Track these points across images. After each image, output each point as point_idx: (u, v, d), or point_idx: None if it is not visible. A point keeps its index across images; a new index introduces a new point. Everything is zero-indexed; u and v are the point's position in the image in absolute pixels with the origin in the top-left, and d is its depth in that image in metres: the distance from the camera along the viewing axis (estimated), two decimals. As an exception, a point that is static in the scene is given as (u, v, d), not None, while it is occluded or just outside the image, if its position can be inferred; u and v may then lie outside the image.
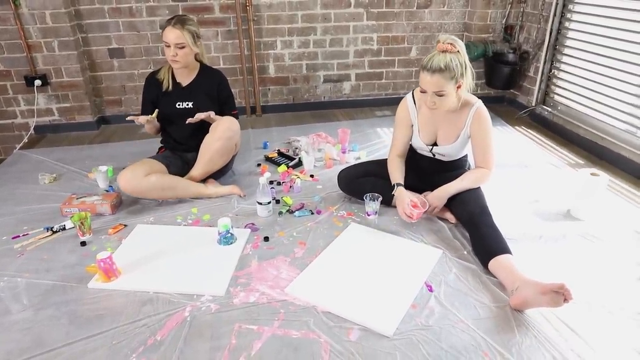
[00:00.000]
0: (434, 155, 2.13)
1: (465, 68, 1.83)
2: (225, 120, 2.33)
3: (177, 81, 2.39)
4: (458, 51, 1.81)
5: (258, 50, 3.56)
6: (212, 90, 2.41)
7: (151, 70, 2.53)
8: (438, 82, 1.80)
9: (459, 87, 1.85)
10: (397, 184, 2.07)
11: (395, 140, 2.18)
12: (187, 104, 2.38)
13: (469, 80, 1.86)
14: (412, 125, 2.13)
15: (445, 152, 2.09)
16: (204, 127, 2.38)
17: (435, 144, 2.10)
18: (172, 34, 2.20)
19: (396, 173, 2.11)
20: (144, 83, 2.45)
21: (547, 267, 1.82)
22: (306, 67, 3.71)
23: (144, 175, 2.19)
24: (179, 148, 2.49)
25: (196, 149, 2.40)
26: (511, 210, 2.24)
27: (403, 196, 2.01)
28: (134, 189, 2.19)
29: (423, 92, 1.87)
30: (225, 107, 2.45)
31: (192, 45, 2.25)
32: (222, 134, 2.30)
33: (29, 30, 3.11)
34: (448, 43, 1.80)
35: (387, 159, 2.22)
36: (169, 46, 2.22)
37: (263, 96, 3.75)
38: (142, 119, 2.28)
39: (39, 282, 1.77)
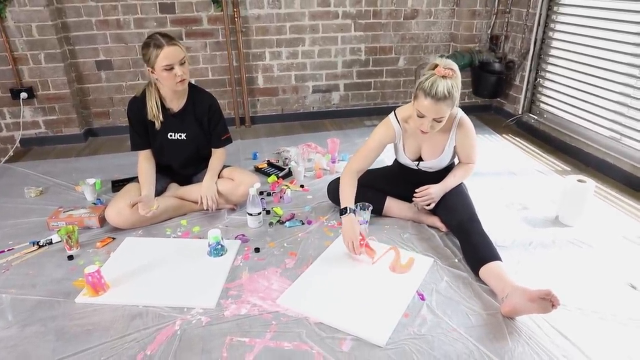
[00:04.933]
0: (420, 169, 2.14)
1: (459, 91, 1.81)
2: (250, 181, 2.27)
3: (167, 107, 2.21)
4: (456, 76, 1.78)
5: (247, 61, 3.56)
6: (203, 115, 2.25)
7: (134, 92, 2.26)
8: (441, 109, 1.76)
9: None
10: (349, 208, 1.94)
11: (363, 154, 2.07)
12: (180, 135, 2.26)
13: (458, 100, 1.86)
14: (395, 144, 2.12)
15: (432, 165, 2.10)
16: (199, 157, 2.34)
17: (420, 159, 2.10)
18: (175, 52, 2.00)
19: (349, 194, 2.00)
20: (128, 109, 2.24)
21: (538, 274, 1.83)
22: (295, 77, 3.72)
23: (130, 207, 2.12)
24: (169, 174, 2.40)
25: (188, 178, 2.39)
26: (500, 217, 2.26)
27: (355, 227, 1.90)
28: (125, 224, 2.14)
29: (421, 116, 1.81)
30: (216, 132, 2.30)
31: (188, 59, 2.10)
32: (241, 197, 2.29)
33: (15, 43, 3.08)
34: (449, 69, 1.74)
35: (374, 169, 2.22)
36: (170, 69, 2.01)
37: (252, 107, 3.76)
38: (149, 208, 2.11)
39: (24, 297, 1.73)
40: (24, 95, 3.19)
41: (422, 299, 1.69)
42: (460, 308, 1.64)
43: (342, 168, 2.78)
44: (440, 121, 1.82)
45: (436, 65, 1.77)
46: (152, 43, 2.00)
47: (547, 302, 1.47)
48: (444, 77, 1.74)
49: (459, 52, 3.66)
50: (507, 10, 3.63)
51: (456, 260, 1.91)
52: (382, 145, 2.09)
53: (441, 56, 3.65)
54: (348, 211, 1.94)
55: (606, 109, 2.84)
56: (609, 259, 1.93)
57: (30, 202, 2.49)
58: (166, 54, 1.99)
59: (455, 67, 1.79)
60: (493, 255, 1.75)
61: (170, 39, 2.02)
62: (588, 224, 2.18)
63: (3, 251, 2.03)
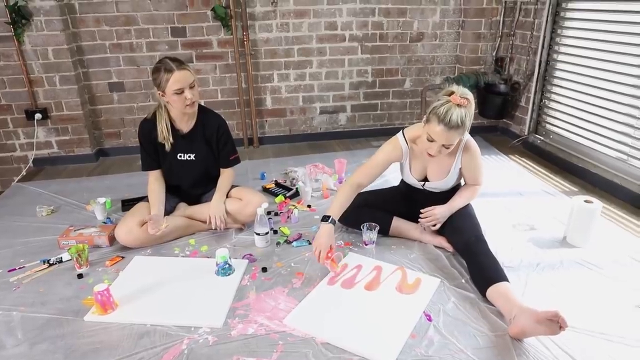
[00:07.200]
0: (426, 189, 2.15)
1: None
2: (258, 201, 2.30)
3: (176, 128, 2.25)
4: (470, 105, 1.79)
5: (255, 83, 3.63)
6: (212, 136, 2.29)
7: (144, 113, 2.30)
8: (452, 136, 1.78)
9: None
10: (331, 218, 1.96)
11: (367, 169, 2.08)
12: (189, 156, 2.30)
13: (469, 128, 1.86)
14: (401, 164, 2.13)
15: (437, 186, 2.11)
16: (208, 177, 2.38)
17: (426, 179, 2.12)
18: (185, 76, 2.06)
19: (339, 205, 2.01)
20: (139, 130, 2.27)
21: (546, 295, 1.82)
22: (302, 99, 3.78)
23: (139, 226, 2.15)
24: (178, 194, 2.43)
25: (197, 198, 2.42)
26: (507, 238, 2.25)
27: (328, 238, 1.91)
28: (134, 242, 2.17)
29: (431, 140, 1.83)
30: (225, 152, 2.34)
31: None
32: (249, 217, 2.30)
33: (31, 66, 3.18)
34: (464, 98, 1.76)
35: (380, 189, 2.23)
36: (181, 92, 2.06)
37: (260, 128, 3.81)
38: (158, 227, 2.13)
39: (34, 315, 1.75)
40: (38, 116, 3.28)
41: (429, 319, 1.68)
42: (468, 329, 1.63)
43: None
44: (449, 147, 1.84)
45: (452, 93, 1.78)
46: (162, 68, 2.06)
47: (554, 323, 1.46)
48: (459, 105, 1.75)
49: (464, 73, 3.71)
50: (512, 33, 3.69)
51: (463, 281, 1.91)
52: (387, 163, 2.10)
53: (447, 78, 3.72)
54: (329, 220, 1.96)
55: (612, 129, 2.85)
56: (617, 280, 1.92)
57: (42, 221, 2.53)
58: (177, 79, 2.04)
59: (471, 96, 1.80)
60: (500, 276, 1.74)
61: (180, 63, 2.08)
62: (596, 245, 2.17)
63: (14, 269, 2.06)
